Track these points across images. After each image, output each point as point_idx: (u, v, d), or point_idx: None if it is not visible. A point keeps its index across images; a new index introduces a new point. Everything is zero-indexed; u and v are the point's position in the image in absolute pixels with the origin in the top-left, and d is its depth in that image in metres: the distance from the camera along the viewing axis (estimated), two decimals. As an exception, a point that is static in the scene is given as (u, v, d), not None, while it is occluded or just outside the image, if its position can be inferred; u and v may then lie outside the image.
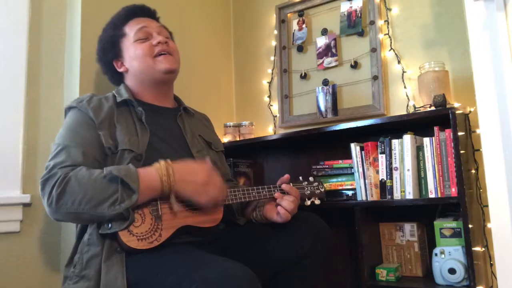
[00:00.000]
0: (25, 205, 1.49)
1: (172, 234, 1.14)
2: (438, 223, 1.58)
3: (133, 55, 1.37)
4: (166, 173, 1.11)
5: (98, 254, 1.09)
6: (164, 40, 1.37)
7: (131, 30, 1.39)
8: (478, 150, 1.63)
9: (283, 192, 1.33)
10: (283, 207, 1.28)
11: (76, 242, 1.18)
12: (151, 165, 1.14)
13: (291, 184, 1.37)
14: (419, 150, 1.63)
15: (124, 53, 1.39)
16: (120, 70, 1.41)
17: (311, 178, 1.47)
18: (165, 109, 1.41)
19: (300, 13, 2.25)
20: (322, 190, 1.45)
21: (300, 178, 1.45)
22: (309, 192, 1.42)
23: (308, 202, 1.41)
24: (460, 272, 1.47)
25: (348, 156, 1.77)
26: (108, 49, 1.42)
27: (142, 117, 1.29)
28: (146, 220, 1.12)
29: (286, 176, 1.39)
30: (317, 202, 1.42)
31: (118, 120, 1.26)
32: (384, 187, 1.66)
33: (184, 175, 1.15)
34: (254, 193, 1.32)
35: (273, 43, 2.32)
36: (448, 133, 1.54)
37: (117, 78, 1.44)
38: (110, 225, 1.09)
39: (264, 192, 1.33)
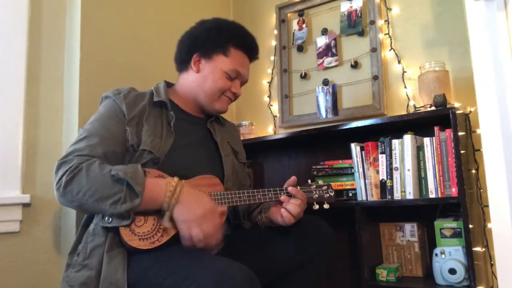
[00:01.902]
0: (25, 205, 1.49)
1: (174, 235, 1.13)
2: (438, 223, 1.57)
3: (212, 78, 1.34)
4: (172, 190, 1.10)
5: (101, 244, 1.10)
6: (240, 93, 1.42)
7: (233, 59, 1.35)
8: (479, 150, 1.62)
9: (290, 195, 1.30)
10: (287, 210, 1.25)
11: (80, 231, 1.19)
12: (163, 177, 1.14)
13: (298, 187, 1.33)
14: (419, 150, 1.63)
15: (211, 63, 1.34)
16: (193, 65, 1.35)
17: (320, 181, 1.43)
18: (197, 117, 1.40)
19: (300, 13, 2.24)
20: (332, 194, 1.40)
21: (309, 181, 1.43)
22: (317, 195, 1.37)
23: (317, 206, 1.36)
24: (461, 272, 1.46)
25: (348, 156, 1.77)
26: (203, 45, 1.35)
27: (171, 122, 1.29)
28: (148, 220, 1.12)
29: (293, 178, 1.35)
30: (326, 206, 1.36)
31: (147, 120, 1.26)
32: (384, 187, 1.66)
33: (189, 200, 1.12)
34: (259, 196, 1.30)
35: (273, 43, 2.32)
36: (448, 133, 1.54)
37: (183, 66, 1.39)
38: (110, 219, 1.10)
39: (270, 194, 1.31)
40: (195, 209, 1.11)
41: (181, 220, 1.11)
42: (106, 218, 1.10)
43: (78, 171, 1.08)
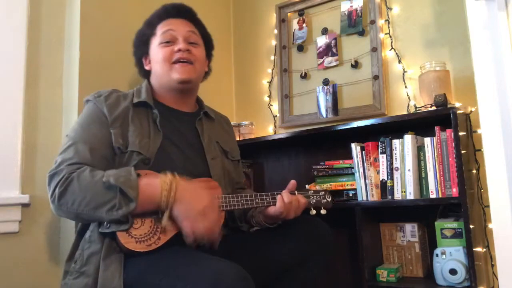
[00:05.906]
0: (24, 206, 1.48)
1: (171, 238, 1.12)
2: (439, 224, 1.57)
3: (155, 57, 1.36)
4: (168, 189, 1.09)
5: (98, 251, 1.10)
6: (186, 47, 1.34)
7: (160, 31, 1.37)
8: (479, 150, 1.62)
9: None
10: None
11: (77, 238, 1.19)
12: (157, 177, 1.12)
13: (296, 192, 1.32)
14: (420, 150, 1.62)
15: (151, 52, 1.39)
16: (146, 68, 1.42)
17: (317, 187, 1.41)
18: (183, 113, 1.39)
19: (301, 13, 2.24)
20: (329, 199, 1.39)
21: (306, 186, 1.41)
22: (314, 201, 1.36)
23: (314, 212, 1.34)
24: (461, 273, 1.46)
25: (349, 156, 1.77)
26: (139, 46, 1.43)
27: (156, 120, 1.28)
28: (145, 223, 1.11)
29: (293, 182, 1.33)
30: (323, 212, 1.35)
31: (133, 120, 1.25)
32: (384, 187, 1.65)
33: (186, 195, 1.11)
34: (257, 200, 1.28)
35: (273, 42, 2.32)
36: (449, 133, 1.53)
37: (144, 73, 1.45)
38: (109, 225, 1.09)
39: (268, 198, 1.28)
40: (195, 205, 1.10)
41: (182, 217, 1.10)
42: (105, 223, 1.09)
43: (70, 182, 1.07)
